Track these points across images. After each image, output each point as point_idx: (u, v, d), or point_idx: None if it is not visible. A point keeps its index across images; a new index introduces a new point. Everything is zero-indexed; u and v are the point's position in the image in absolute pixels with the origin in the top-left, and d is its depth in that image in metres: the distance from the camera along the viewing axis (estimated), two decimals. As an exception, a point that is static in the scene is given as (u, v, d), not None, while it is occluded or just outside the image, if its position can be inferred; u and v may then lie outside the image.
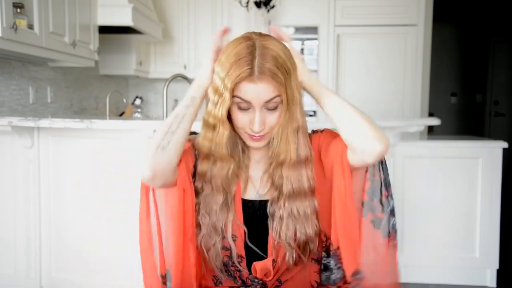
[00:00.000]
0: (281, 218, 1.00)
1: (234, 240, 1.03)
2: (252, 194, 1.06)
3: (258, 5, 4.17)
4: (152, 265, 1.00)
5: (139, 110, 4.45)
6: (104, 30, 3.64)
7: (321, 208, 1.02)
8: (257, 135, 0.97)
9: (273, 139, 0.99)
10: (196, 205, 1.02)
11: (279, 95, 0.93)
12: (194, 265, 1.00)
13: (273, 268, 1.03)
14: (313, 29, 4.48)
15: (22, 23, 2.37)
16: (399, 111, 4.37)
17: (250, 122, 0.95)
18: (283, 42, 0.98)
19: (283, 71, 0.92)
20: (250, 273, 1.04)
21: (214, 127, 0.97)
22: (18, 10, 2.37)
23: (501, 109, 6.13)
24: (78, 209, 2.35)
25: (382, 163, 1.02)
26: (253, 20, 4.41)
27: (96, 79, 4.21)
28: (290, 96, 0.95)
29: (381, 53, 4.38)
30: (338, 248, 1.00)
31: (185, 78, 2.77)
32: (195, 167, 1.04)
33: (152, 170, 0.96)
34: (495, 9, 5.96)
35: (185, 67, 4.59)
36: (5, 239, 2.40)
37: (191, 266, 1.00)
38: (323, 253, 1.06)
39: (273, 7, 4.20)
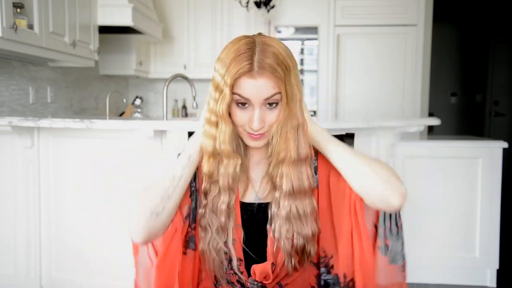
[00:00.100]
0: (278, 217, 0.99)
1: (233, 244, 1.02)
2: (251, 197, 1.05)
3: (258, 5, 4.17)
4: None
5: (139, 110, 4.45)
6: (104, 30, 3.64)
7: (324, 228, 1.02)
8: (256, 133, 0.95)
9: (272, 137, 0.97)
10: (204, 208, 1.01)
11: (279, 92, 0.92)
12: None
13: (272, 272, 1.01)
14: (313, 29, 4.49)
15: (22, 23, 2.37)
16: (399, 111, 4.37)
17: (250, 120, 0.94)
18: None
19: (283, 67, 0.92)
20: (250, 276, 1.03)
21: (216, 125, 0.96)
22: (18, 10, 2.37)
23: (501, 109, 6.13)
24: (78, 209, 2.35)
25: None
26: (253, 20, 4.41)
27: (96, 79, 4.21)
28: (289, 93, 0.94)
29: (381, 53, 4.38)
30: (352, 280, 0.99)
31: (185, 78, 2.77)
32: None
33: (145, 235, 0.95)
34: (495, 9, 5.96)
35: (185, 67, 4.59)
36: (5, 239, 2.40)
37: None
38: (322, 269, 1.05)
39: (273, 7, 4.20)
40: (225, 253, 1.02)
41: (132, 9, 3.43)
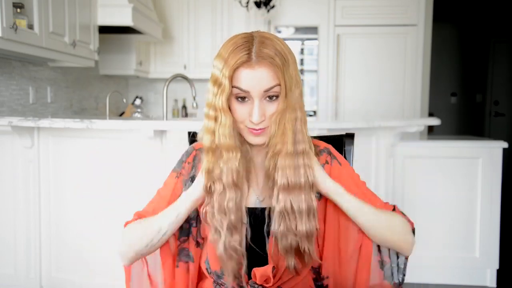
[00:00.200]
0: (273, 212, 0.96)
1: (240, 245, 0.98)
2: (252, 200, 1.03)
3: (258, 5, 4.17)
4: None
5: (139, 110, 4.44)
6: (104, 30, 3.64)
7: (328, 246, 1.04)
8: (257, 127, 0.93)
9: (271, 127, 0.94)
10: (211, 208, 0.97)
11: (278, 84, 0.91)
12: None
13: (274, 276, 1.00)
14: (313, 29, 4.48)
15: (22, 23, 2.37)
16: (399, 111, 4.37)
17: (250, 114, 0.93)
18: None
19: (281, 58, 0.91)
20: (250, 278, 1.01)
21: (215, 119, 0.94)
22: (18, 10, 2.37)
23: (501, 109, 6.13)
24: (78, 209, 2.35)
25: None
26: (253, 20, 4.41)
27: (96, 79, 4.21)
28: (288, 84, 0.92)
29: (381, 53, 4.38)
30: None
31: (185, 78, 2.77)
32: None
33: (132, 262, 1.07)
34: (495, 9, 5.96)
35: (185, 67, 4.59)
36: (5, 239, 2.40)
37: None
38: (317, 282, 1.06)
39: (273, 7, 4.20)
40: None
41: (132, 9, 3.43)
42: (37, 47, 2.56)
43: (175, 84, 4.51)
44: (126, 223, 1.07)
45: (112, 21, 3.46)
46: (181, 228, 1.03)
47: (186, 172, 1.06)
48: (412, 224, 1.03)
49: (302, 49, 4.67)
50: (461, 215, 2.65)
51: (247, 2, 4.10)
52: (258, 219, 1.01)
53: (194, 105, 2.85)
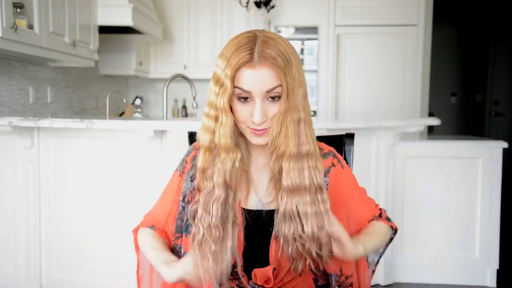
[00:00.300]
0: (279, 214, 0.95)
1: (235, 247, 0.97)
2: (253, 202, 1.02)
3: (258, 5, 4.17)
4: None
5: (139, 110, 4.44)
6: (104, 30, 3.64)
7: None
8: (259, 128, 0.93)
9: (273, 130, 0.93)
10: (196, 204, 0.97)
11: (280, 85, 0.90)
12: None
13: (275, 277, 0.99)
14: (313, 29, 4.48)
15: (22, 23, 2.37)
16: (399, 111, 4.37)
17: (252, 115, 0.92)
18: None
19: (283, 58, 0.90)
20: (250, 279, 1.01)
21: (216, 118, 0.93)
22: (18, 10, 2.37)
23: (501, 109, 6.13)
24: (78, 209, 2.35)
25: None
26: (253, 20, 4.41)
27: (96, 79, 4.21)
28: (290, 85, 0.91)
29: (381, 53, 4.38)
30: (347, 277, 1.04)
31: (185, 78, 2.77)
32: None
33: None
34: (495, 9, 5.96)
35: (185, 67, 4.59)
36: (5, 239, 2.40)
37: None
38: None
39: (273, 7, 4.20)
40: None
41: (132, 9, 3.43)
42: (37, 47, 2.56)
43: (175, 84, 4.51)
44: (138, 227, 1.13)
45: (112, 21, 3.46)
46: (175, 224, 1.06)
47: (186, 171, 1.07)
48: (394, 226, 1.12)
49: (302, 49, 4.67)
50: (461, 215, 2.65)
51: (247, 2, 4.10)
52: (259, 220, 1.01)
53: (194, 105, 2.85)
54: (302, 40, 4.66)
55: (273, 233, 0.99)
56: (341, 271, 1.02)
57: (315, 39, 4.50)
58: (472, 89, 6.26)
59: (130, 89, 5.08)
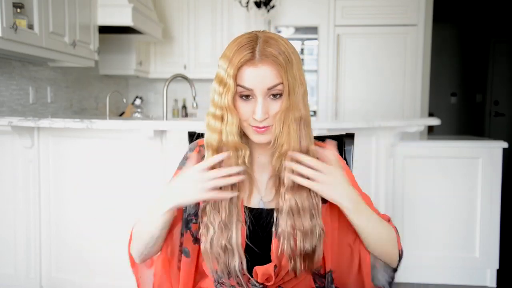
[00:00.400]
0: (281, 212, 0.97)
1: (236, 244, 0.98)
2: (255, 201, 1.03)
3: (258, 5, 4.17)
4: None
5: (139, 110, 4.45)
6: (104, 30, 3.64)
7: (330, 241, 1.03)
8: (261, 125, 0.94)
9: (275, 126, 0.94)
10: (204, 205, 0.99)
11: (281, 83, 0.92)
12: None
13: (276, 275, 1.00)
14: (313, 29, 4.48)
15: (22, 23, 2.37)
16: (399, 111, 4.37)
17: (253, 112, 0.93)
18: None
19: (284, 57, 0.92)
20: (251, 276, 1.01)
21: (222, 118, 0.95)
22: (18, 10, 2.37)
23: (501, 109, 6.13)
24: (78, 209, 2.35)
25: None
26: (253, 20, 4.41)
27: (96, 79, 4.21)
28: (291, 83, 0.93)
29: (381, 53, 4.38)
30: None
31: (185, 78, 2.77)
32: None
33: (140, 261, 1.08)
34: (495, 9, 5.96)
35: (185, 67, 4.59)
36: (5, 239, 2.41)
37: None
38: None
39: (273, 7, 4.20)
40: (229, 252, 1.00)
41: (132, 9, 3.43)
42: (37, 47, 2.56)
43: (175, 84, 4.51)
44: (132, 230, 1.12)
45: (112, 21, 3.46)
46: (183, 225, 1.05)
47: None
48: (399, 246, 1.06)
49: (302, 49, 4.68)
50: (461, 215, 2.65)
51: (247, 2, 4.10)
52: (261, 219, 1.01)
53: (194, 105, 2.85)
54: (302, 40, 4.66)
55: (274, 231, 0.99)
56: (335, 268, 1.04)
57: (315, 39, 4.50)
58: (472, 89, 6.26)
59: (130, 89, 5.08)
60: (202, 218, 0.99)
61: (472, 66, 6.21)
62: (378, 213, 1.07)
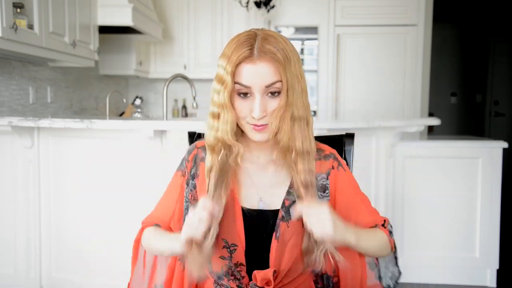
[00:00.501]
0: (280, 213, 0.98)
1: (234, 250, 0.98)
2: (254, 202, 1.02)
3: (258, 5, 4.17)
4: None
5: (139, 110, 4.45)
6: (104, 30, 3.64)
7: None
8: (258, 123, 0.93)
9: (272, 124, 0.94)
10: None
11: (280, 81, 0.91)
12: None
13: (275, 279, 0.99)
14: (313, 29, 4.49)
15: (22, 23, 2.37)
16: (399, 111, 4.37)
17: (251, 110, 0.93)
18: None
19: (283, 54, 0.91)
20: (251, 279, 1.00)
21: (218, 116, 0.95)
22: (18, 10, 2.37)
23: (501, 109, 6.13)
24: (78, 209, 2.35)
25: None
26: (253, 20, 4.41)
27: (96, 79, 4.21)
28: (289, 81, 0.92)
29: (381, 53, 4.38)
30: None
31: (185, 78, 2.77)
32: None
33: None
34: (495, 9, 5.96)
35: (185, 67, 4.59)
36: (5, 239, 2.40)
37: None
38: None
39: (273, 7, 4.20)
40: (224, 259, 1.00)
41: (132, 9, 3.43)
42: (37, 47, 2.56)
43: (175, 84, 4.51)
44: (143, 228, 1.11)
45: (112, 21, 3.46)
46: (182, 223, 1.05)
47: (188, 170, 1.07)
48: (392, 243, 1.06)
49: (302, 49, 4.68)
50: (461, 215, 2.65)
51: (247, 2, 4.10)
52: (260, 220, 1.01)
53: (194, 105, 2.85)
54: (302, 40, 4.66)
55: (274, 233, 0.98)
56: (334, 272, 1.04)
57: (315, 39, 4.50)
58: (472, 89, 6.26)
59: (130, 89, 5.08)
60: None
61: (472, 66, 6.21)
62: (376, 215, 1.07)
